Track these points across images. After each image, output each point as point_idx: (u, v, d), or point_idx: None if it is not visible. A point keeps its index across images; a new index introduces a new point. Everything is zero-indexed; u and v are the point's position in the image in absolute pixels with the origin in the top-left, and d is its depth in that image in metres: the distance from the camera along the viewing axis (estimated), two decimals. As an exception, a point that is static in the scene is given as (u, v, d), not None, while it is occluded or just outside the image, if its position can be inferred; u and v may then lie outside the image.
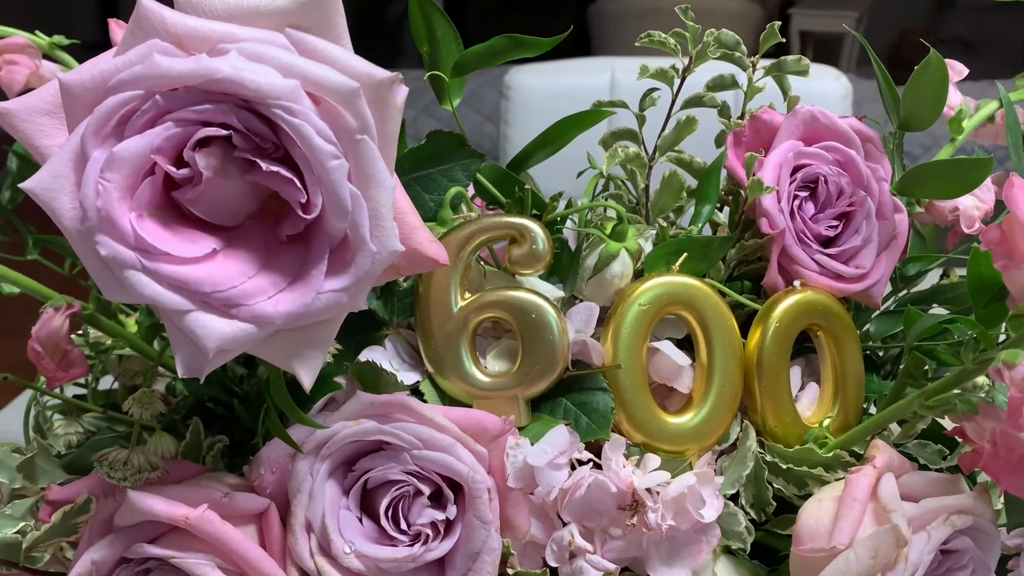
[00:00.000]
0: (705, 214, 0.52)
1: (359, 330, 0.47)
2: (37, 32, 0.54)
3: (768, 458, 0.46)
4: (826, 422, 0.49)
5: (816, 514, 0.43)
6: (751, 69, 0.55)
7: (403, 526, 0.42)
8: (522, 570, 0.43)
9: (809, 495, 0.45)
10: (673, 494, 0.42)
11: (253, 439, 0.46)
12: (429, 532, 0.42)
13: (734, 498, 0.46)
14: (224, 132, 0.32)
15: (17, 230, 0.58)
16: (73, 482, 0.44)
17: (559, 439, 0.43)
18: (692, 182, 0.57)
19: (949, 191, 0.51)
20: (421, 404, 0.43)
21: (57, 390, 0.50)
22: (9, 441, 0.50)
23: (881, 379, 0.55)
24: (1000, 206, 0.49)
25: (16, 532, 0.43)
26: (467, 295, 0.46)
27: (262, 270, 0.34)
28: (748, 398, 0.48)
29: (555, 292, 0.48)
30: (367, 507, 0.43)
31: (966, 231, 0.55)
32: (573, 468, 0.43)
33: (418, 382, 0.46)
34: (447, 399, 0.46)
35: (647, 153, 0.56)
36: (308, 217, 0.33)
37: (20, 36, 0.53)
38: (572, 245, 0.50)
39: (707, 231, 0.53)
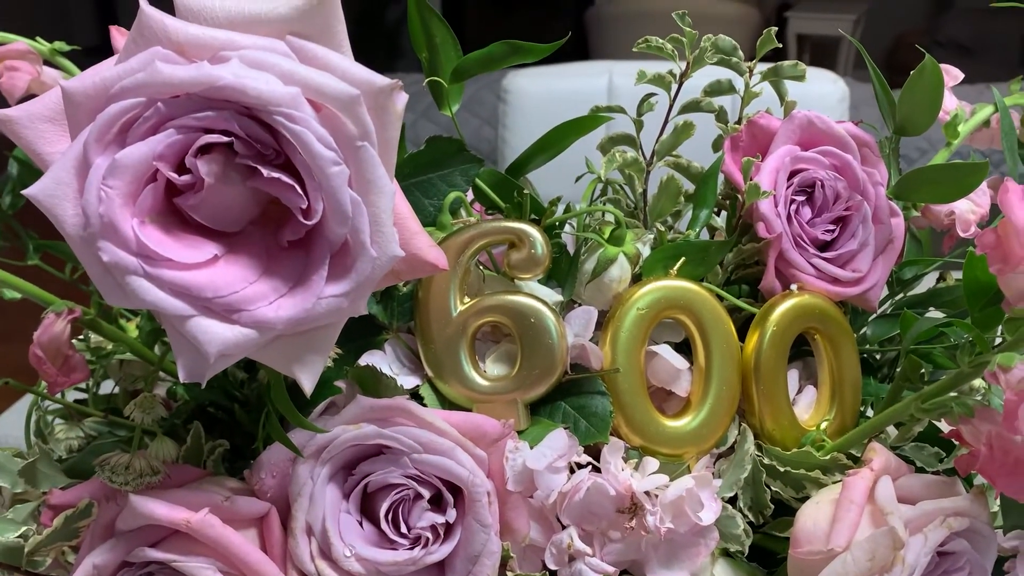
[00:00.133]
0: (703, 218, 0.52)
1: (359, 335, 0.47)
2: (38, 38, 0.54)
3: (766, 461, 0.47)
4: (823, 425, 0.49)
5: (814, 516, 0.44)
6: (748, 74, 0.56)
7: (403, 529, 0.42)
8: (521, 573, 0.43)
9: (807, 498, 0.45)
10: (671, 497, 0.42)
11: (254, 443, 0.46)
12: (429, 535, 0.42)
13: (732, 501, 0.46)
14: (225, 139, 0.33)
15: (18, 235, 0.58)
16: (75, 486, 0.44)
17: (558, 443, 0.43)
18: (690, 187, 0.57)
19: (945, 195, 0.51)
20: (421, 408, 0.43)
21: (58, 395, 0.50)
22: (10, 446, 0.50)
23: (878, 382, 0.55)
24: (996, 210, 0.50)
25: (18, 536, 0.43)
26: (466, 299, 0.46)
27: (263, 275, 0.34)
28: (746, 401, 0.48)
29: (554, 296, 0.48)
30: (367, 511, 0.43)
31: (962, 235, 0.55)
32: (572, 471, 0.43)
33: (418, 386, 0.46)
34: (447, 403, 0.46)
35: (645, 158, 0.56)
36: (309, 223, 0.33)
37: (21, 42, 0.53)
38: (571, 249, 0.50)
39: (705, 235, 0.54)
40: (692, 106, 0.57)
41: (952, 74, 0.55)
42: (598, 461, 0.44)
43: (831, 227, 0.51)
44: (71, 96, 0.33)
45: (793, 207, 0.50)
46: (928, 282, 0.59)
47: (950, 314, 0.55)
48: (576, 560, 0.43)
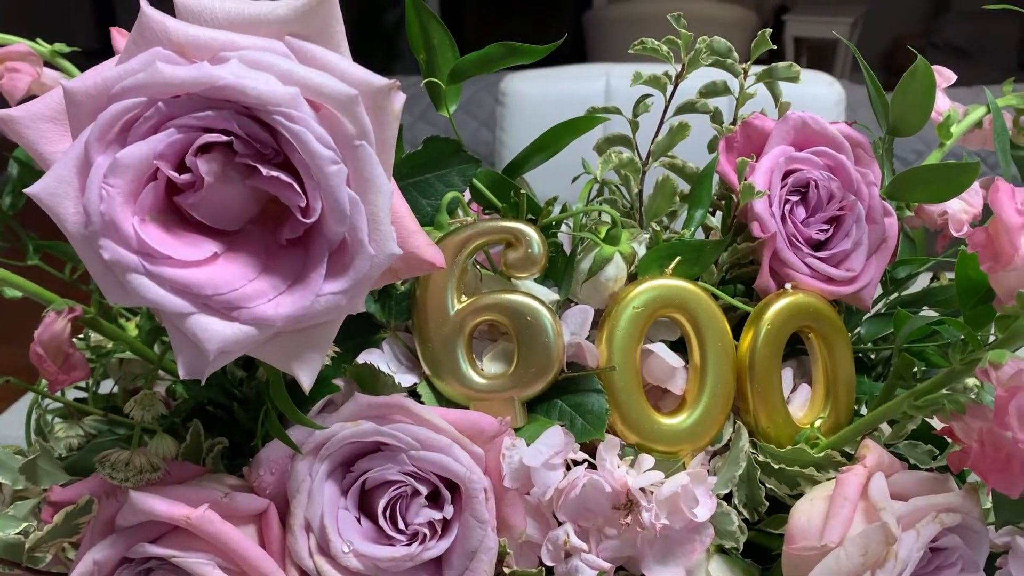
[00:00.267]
0: (698, 218, 0.53)
1: (357, 333, 0.48)
2: (38, 40, 0.55)
3: (760, 458, 0.47)
4: (817, 423, 0.49)
5: (808, 513, 0.44)
6: (743, 76, 0.56)
7: (401, 526, 0.43)
8: (518, 569, 0.43)
9: (801, 495, 0.46)
10: (667, 494, 0.43)
11: (252, 441, 0.46)
12: (426, 532, 0.42)
13: (727, 498, 0.47)
14: (225, 138, 0.33)
15: (18, 235, 0.58)
16: (75, 483, 0.44)
17: (554, 440, 0.43)
18: (685, 187, 0.58)
19: (937, 195, 0.51)
20: (418, 406, 0.43)
21: (58, 393, 0.50)
22: (11, 444, 0.50)
23: (872, 380, 0.56)
24: (989, 210, 0.50)
25: (19, 533, 0.44)
26: (463, 298, 0.46)
27: (262, 273, 0.34)
28: (740, 399, 0.49)
29: (550, 295, 0.48)
30: (365, 507, 0.44)
31: (955, 234, 0.55)
32: (568, 468, 0.43)
33: (415, 384, 0.46)
34: (444, 401, 0.46)
35: (641, 158, 0.57)
36: (307, 221, 0.34)
37: (22, 44, 0.53)
38: (567, 249, 0.50)
39: (700, 235, 0.54)
40: (688, 107, 0.57)
41: (945, 76, 0.56)
42: (594, 458, 0.44)
43: (825, 227, 0.51)
44: (72, 96, 0.33)
45: (787, 207, 0.51)
46: (922, 281, 0.60)
47: (943, 313, 0.55)
48: (572, 556, 0.43)
